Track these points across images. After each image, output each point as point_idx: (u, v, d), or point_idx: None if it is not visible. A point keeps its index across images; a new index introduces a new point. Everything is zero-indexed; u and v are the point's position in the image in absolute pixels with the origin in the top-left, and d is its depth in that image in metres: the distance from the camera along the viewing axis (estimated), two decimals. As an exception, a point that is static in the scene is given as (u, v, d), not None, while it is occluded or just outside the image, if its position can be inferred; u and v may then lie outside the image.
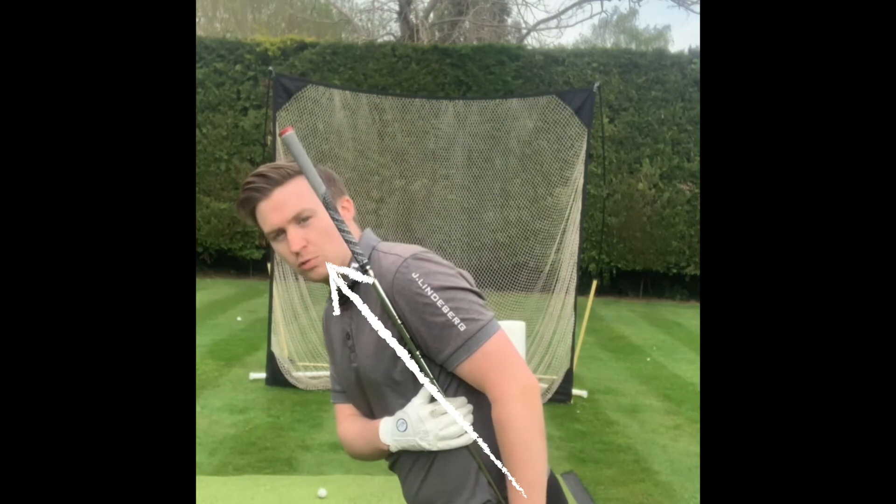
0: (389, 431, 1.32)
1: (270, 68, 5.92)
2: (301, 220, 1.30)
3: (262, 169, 1.33)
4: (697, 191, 10.24)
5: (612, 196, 10.50)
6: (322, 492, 3.43)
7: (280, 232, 1.32)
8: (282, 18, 20.68)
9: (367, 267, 1.29)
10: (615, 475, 3.86)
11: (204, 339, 6.47)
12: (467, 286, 1.30)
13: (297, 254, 1.31)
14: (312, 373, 5.36)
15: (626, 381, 5.93)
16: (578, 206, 5.41)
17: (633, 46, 20.68)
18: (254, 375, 5.43)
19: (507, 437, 1.23)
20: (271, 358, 5.23)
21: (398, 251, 1.33)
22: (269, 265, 5.45)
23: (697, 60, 10.26)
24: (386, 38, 15.43)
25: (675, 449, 4.32)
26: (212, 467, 3.73)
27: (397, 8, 14.46)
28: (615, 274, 10.92)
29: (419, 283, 1.26)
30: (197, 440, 3.87)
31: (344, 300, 1.36)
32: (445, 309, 1.25)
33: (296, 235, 1.30)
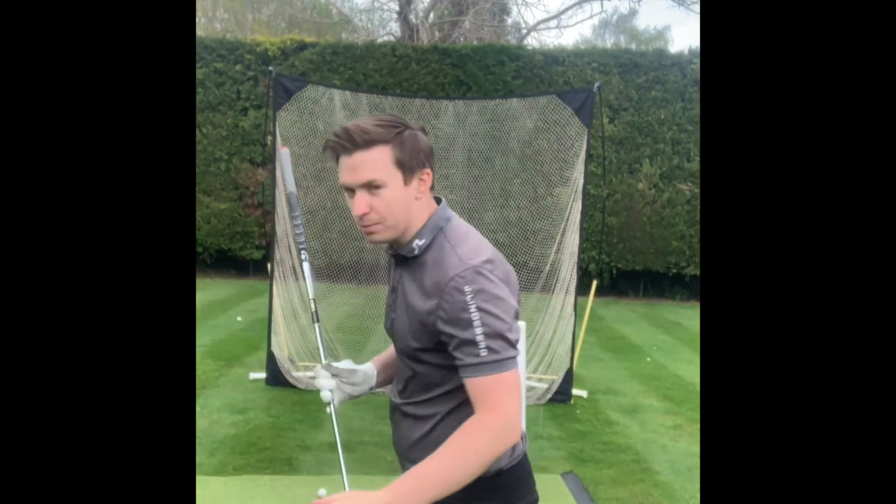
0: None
1: (270, 68, 5.92)
2: (371, 187, 1.34)
3: (351, 126, 1.35)
4: (697, 191, 10.24)
5: (612, 196, 10.49)
6: (322, 492, 3.41)
7: (350, 190, 1.36)
8: (282, 18, 20.67)
9: (421, 244, 1.38)
10: (615, 475, 3.86)
11: (204, 339, 6.47)
12: (506, 316, 1.33)
13: (360, 216, 1.35)
14: (312, 373, 5.36)
15: (626, 381, 5.93)
16: (578, 206, 5.41)
17: (633, 46, 20.65)
18: (254, 375, 5.43)
19: (458, 444, 1.29)
20: (271, 358, 5.23)
21: (465, 254, 1.36)
22: (269, 265, 5.45)
23: (697, 60, 10.25)
24: (386, 38, 15.42)
25: (675, 449, 4.32)
26: (212, 467, 3.73)
27: (397, 8, 14.45)
28: (615, 274, 10.90)
29: (468, 299, 1.30)
30: (197, 440, 3.87)
31: (401, 259, 1.44)
32: (479, 330, 1.30)
33: (362, 200, 1.35)
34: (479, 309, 1.30)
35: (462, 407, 1.39)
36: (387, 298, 1.54)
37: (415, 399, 1.47)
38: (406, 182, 1.37)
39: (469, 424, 1.31)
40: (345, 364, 1.61)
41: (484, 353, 1.30)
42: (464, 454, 1.28)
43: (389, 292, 1.51)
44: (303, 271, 1.75)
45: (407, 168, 1.36)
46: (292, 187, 1.81)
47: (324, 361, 1.61)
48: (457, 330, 1.31)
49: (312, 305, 1.68)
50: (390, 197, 1.35)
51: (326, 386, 1.59)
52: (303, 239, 1.81)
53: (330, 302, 6.39)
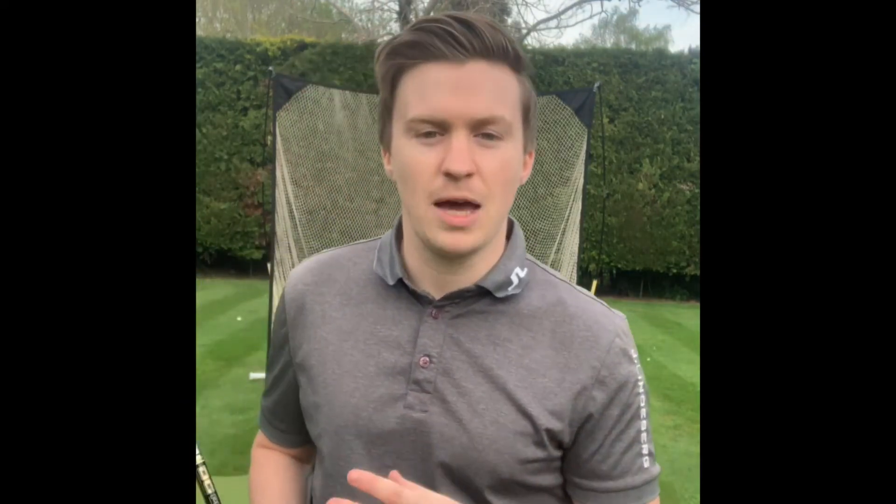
0: None
1: (270, 68, 5.91)
2: (486, 133, 0.73)
3: (472, 17, 0.72)
4: (697, 191, 10.25)
5: (612, 196, 10.50)
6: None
7: (438, 129, 0.73)
8: (282, 18, 20.69)
9: (523, 276, 0.82)
10: (615, 475, 3.85)
11: (204, 339, 6.47)
12: None
13: (452, 177, 0.72)
14: None
15: (626, 381, 5.92)
16: (578, 206, 5.41)
17: (633, 46, 20.68)
18: (254, 375, 5.43)
19: None
20: (271, 358, 5.22)
21: (592, 296, 0.87)
22: (268, 265, 5.45)
23: (697, 60, 10.26)
24: (386, 38, 15.42)
25: (675, 449, 4.32)
26: (212, 467, 3.71)
27: (397, 8, 14.46)
28: (615, 274, 10.92)
29: (637, 370, 0.84)
30: (197, 440, 3.86)
31: (459, 302, 0.81)
32: (644, 424, 0.86)
33: (463, 148, 0.72)
34: (645, 390, 0.85)
35: None
36: (359, 383, 0.84)
37: None
38: (525, 149, 0.80)
39: None
40: None
41: (647, 463, 0.84)
42: None
43: (387, 376, 0.82)
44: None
45: (530, 126, 0.79)
46: None
47: None
48: (622, 424, 0.82)
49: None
50: (511, 159, 0.75)
51: None
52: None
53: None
